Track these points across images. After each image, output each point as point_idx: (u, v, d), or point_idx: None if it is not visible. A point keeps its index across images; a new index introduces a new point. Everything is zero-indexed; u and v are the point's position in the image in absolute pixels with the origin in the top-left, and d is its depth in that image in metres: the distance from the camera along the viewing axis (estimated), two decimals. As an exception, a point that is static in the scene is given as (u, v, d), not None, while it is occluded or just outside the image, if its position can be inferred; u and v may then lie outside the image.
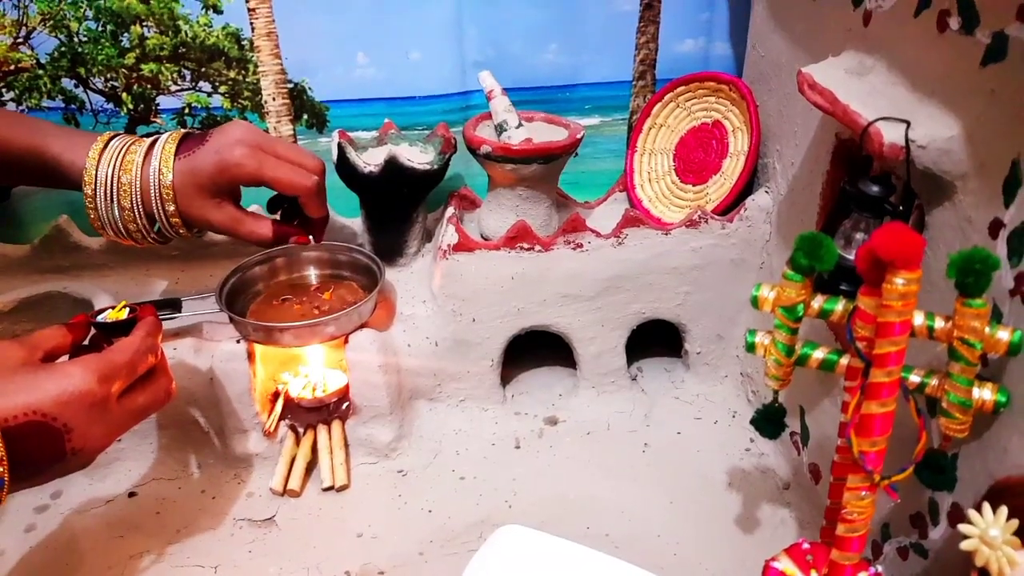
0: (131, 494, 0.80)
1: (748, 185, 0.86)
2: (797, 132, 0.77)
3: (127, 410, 0.59)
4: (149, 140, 0.71)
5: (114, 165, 0.69)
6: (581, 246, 0.84)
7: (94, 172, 0.69)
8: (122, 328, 0.64)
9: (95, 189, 0.69)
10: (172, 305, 0.78)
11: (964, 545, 0.44)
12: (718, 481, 0.81)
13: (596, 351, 0.89)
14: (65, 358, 0.60)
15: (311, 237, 0.81)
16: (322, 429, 0.84)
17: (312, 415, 0.85)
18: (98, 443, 0.56)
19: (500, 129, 0.86)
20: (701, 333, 0.90)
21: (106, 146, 0.70)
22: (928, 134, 0.52)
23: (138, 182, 0.69)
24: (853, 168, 0.66)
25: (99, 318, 0.66)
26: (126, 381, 0.59)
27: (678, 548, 0.73)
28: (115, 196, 0.70)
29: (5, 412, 0.50)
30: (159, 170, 0.69)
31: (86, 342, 0.65)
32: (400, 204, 0.91)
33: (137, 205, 0.70)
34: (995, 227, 0.49)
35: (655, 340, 0.94)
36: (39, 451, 0.52)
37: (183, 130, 0.74)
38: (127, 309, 0.67)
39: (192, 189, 0.70)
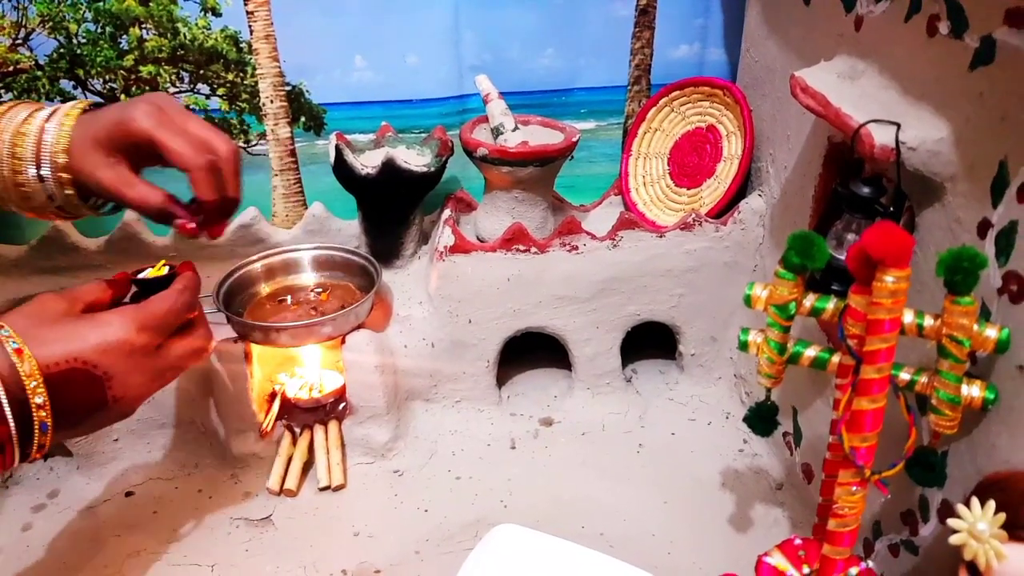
0: (128, 493, 0.81)
1: (742, 188, 0.87)
2: (790, 136, 0.78)
3: (166, 360, 0.60)
4: (57, 106, 0.66)
5: (16, 121, 0.64)
6: (576, 248, 0.84)
7: None
8: (162, 284, 0.64)
9: None
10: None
11: (953, 539, 0.44)
12: (712, 481, 0.81)
13: (591, 353, 0.89)
14: None
15: (200, 226, 0.69)
16: (319, 429, 0.84)
17: (309, 415, 0.85)
18: (138, 392, 0.57)
19: (496, 132, 0.87)
20: (695, 335, 0.91)
21: (10, 110, 0.65)
22: (918, 136, 0.53)
23: (36, 132, 0.63)
24: (845, 171, 0.67)
25: (140, 276, 0.66)
26: (165, 332, 0.60)
27: (672, 547, 0.74)
28: (9, 148, 0.64)
29: (47, 360, 0.51)
30: (60, 121, 0.64)
31: (127, 300, 0.65)
32: (397, 206, 0.91)
33: (29, 157, 0.64)
34: (983, 227, 0.50)
35: (650, 342, 0.95)
36: (81, 398, 0.54)
37: (98, 100, 0.69)
38: (167, 267, 0.67)
39: (88, 142, 0.63)
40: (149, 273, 0.67)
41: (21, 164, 0.64)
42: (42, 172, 0.64)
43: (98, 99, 0.69)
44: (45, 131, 0.64)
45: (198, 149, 0.65)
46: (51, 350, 0.52)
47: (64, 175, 0.64)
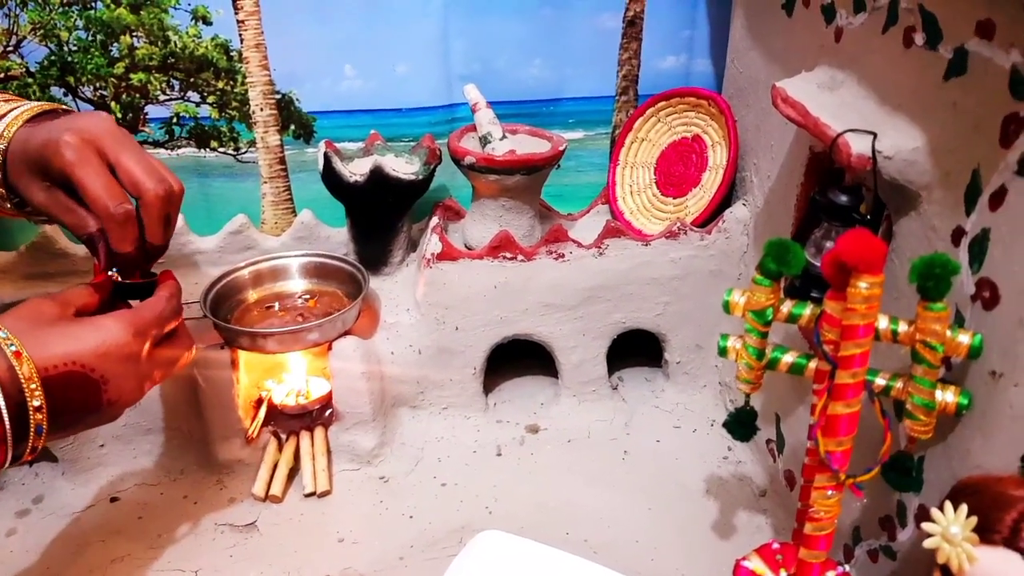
0: (113, 499, 0.81)
1: (727, 198, 0.88)
2: (773, 146, 0.79)
3: (156, 365, 0.60)
4: (17, 103, 0.63)
5: None
6: (563, 256, 0.85)
7: None
8: (141, 290, 0.64)
9: None
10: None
11: (927, 543, 0.45)
12: (696, 488, 0.82)
13: (577, 360, 0.90)
14: None
15: (117, 273, 0.64)
16: (305, 435, 0.84)
17: (295, 422, 0.86)
18: (130, 396, 0.57)
19: (484, 141, 0.88)
20: (680, 343, 0.91)
21: None
22: (894, 145, 0.54)
23: None
24: (826, 180, 0.67)
25: (119, 279, 0.65)
26: (156, 337, 0.60)
27: (656, 554, 0.74)
28: None
29: (46, 362, 0.51)
30: (1, 131, 0.60)
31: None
32: (385, 214, 0.92)
33: None
34: (957, 235, 0.51)
35: (636, 350, 0.96)
36: (77, 401, 0.54)
37: (64, 107, 0.65)
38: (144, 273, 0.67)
39: (19, 161, 0.60)
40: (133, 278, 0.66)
41: None
42: None
43: (58, 105, 0.63)
44: None
45: (115, 195, 0.60)
46: (50, 352, 0.52)
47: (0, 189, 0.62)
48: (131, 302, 0.64)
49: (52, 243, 0.91)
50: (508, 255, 0.84)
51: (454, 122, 0.97)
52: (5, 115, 0.62)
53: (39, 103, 0.64)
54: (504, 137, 0.88)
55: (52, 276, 0.93)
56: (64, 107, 0.66)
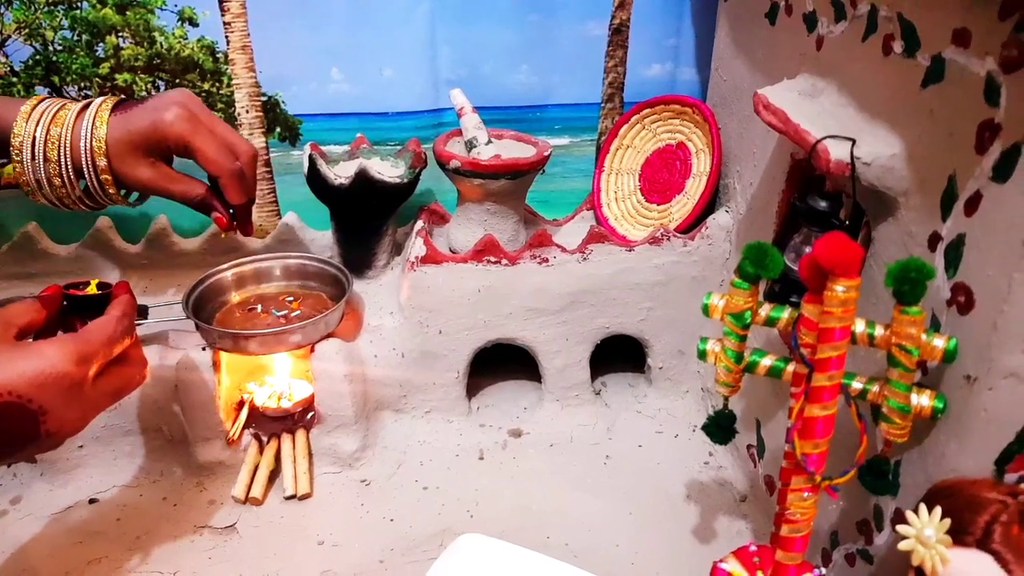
0: (92, 500, 0.80)
1: (710, 204, 0.88)
2: (756, 153, 0.79)
3: (102, 392, 0.57)
4: (84, 101, 0.68)
5: (45, 120, 0.66)
6: (547, 261, 0.85)
7: (23, 125, 0.65)
8: (95, 303, 0.63)
9: (22, 142, 0.65)
10: (139, 312, 0.78)
11: (901, 545, 0.45)
12: (677, 493, 0.82)
13: (561, 364, 0.90)
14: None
15: (234, 222, 0.75)
16: (286, 438, 0.84)
17: (277, 424, 0.85)
18: (72, 426, 0.54)
19: (470, 145, 0.88)
20: (663, 348, 0.92)
21: (40, 103, 0.67)
22: (872, 152, 0.55)
23: (68, 135, 0.66)
24: (808, 187, 0.68)
25: (72, 291, 0.65)
26: (102, 363, 0.57)
27: (636, 558, 0.74)
28: (43, 149, 0.65)
29: None
30: (92, 123, 0.66)
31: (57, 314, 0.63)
32: (370, 217, 0.92)
33: (64, 158, 0.66)
34: (934, 240, 0.52)
35: (620, 355, 0.96)
36: (12, 432, 0.51)
37: (122, 96, 0.70)
38: (100, 286, 0.66)
39: (125, 146, 0.66)
40: (83, 291, 0.65)
41: (57, 167, 0.66)
42: (81, 173, 0.67)
43: (122, 96, 0.70)
44: (79, 136, 0.66)
45: (227, 155, 0.69)
46: None
47: (106, 176, 0.67)
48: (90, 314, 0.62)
49: (34, 243, 0.91)
50: (492, 259, 0.84)
51: (440, 126, 0.97)
52: (83, 112, 0.66)
53: (103, 97, 0.69)
54: (490, 142, 0.88)
55: (33, 276, 0.93)
56: (124, 97, 0.70)
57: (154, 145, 0.67)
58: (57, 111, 0.66)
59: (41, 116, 0.65)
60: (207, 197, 0.71)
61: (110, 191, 0.68)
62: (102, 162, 0.66)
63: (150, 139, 0.66)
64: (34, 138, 0.65)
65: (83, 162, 0.66)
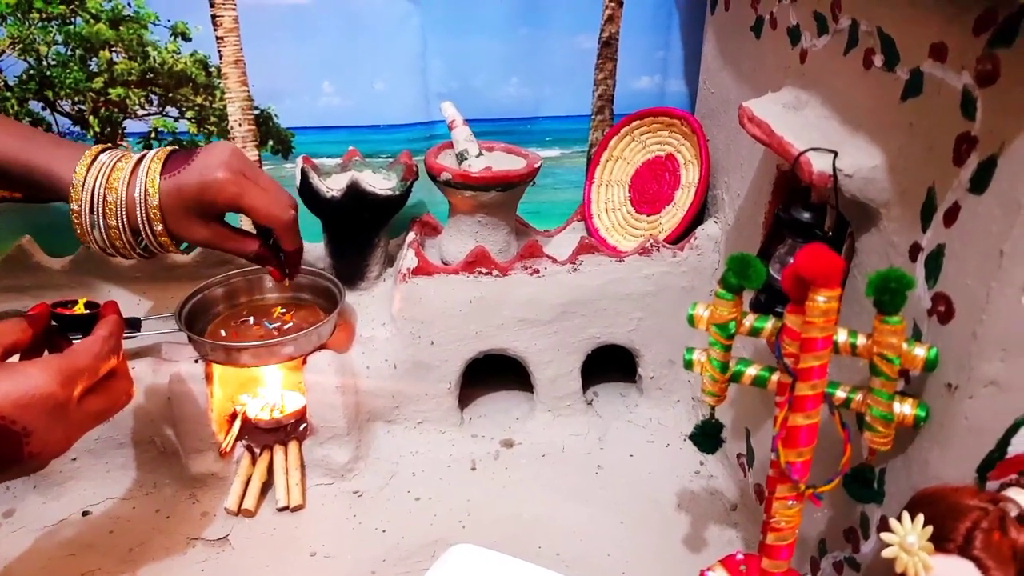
0: (85, 513, 0.80)
1: (699, 215, 0.89)
2: (743, 165, 0.80)
3: (87, 413, 0.57)
4: (136, 157, 0.71)
5: (100, 183, 0.68)
6: (538, 272, 0.86)
7: (80, 188, 0.68)
8: (83, 322, 0.63)
9: (81, 206, 0.68)
10: (131, 324, 0.79)
11: (885, 553, 0.46)
12: (668, 503, 0.82)
13: (552, 375, 0.91)
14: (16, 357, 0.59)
15: (285, 271, 0.80)
16: (279, 450, 0.84)
17: (269, 436, 0.86)
18: (56, 447, 0.54)
19: (461, 158, 0.89)
20: (654, 358, 0.92)
21: (93, 161, 0.69)
22: (854, 164, 0.56)
23: (124, 201, 0.69)
24: (793, 198, 0.69)
25: (60, 310, 0.65)
26: (87, 384, 0.57)
27: (627, 567, 0.74)
28: (101, 213, 0.69)
29: None
30: (145, 191, 0.69)
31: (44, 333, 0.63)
32: (362, 229, 0.92)
33: (123, 222, 0.69)
34: (915, 250, 0.52)
35: (611, 365, 0.97)
36: None
37: (169, 148, 0.73)
38: (88, 305, 0.66)
39: (178, 210, 0.70)
40: (71, 310, 0.66)
41: (118, 232, 0.70)
42: (139, 232, 0.71)
43: (173, 148, 0.74)
44: (133, 202, 0.69)
45: (278, 206, 0.72)
46: None
47: (164, 239, 0.72)
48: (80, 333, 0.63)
49: (28, 256, 0.91)
50: (484, 270, 0.85)
51: (432, 139, 0.98)
52: (135, 175, 0.69)
53: (148, 152, 0.72)
54: (481, 154, 0.89)
55: (27, 289, 0.93)
56: (172, 148, 0.73)
57: (207, 208, 0.70)
58: (111, 172, 0.69)
59: (97, 179, 0.68)
60: (260, 252, 0.75)
61: (169, 248, 0.73)
62: (158, 227, 0.70)
63: (202, 203, 0.70)
64: (92, 203, 0.69)
65: (140, 225, 0.70)
